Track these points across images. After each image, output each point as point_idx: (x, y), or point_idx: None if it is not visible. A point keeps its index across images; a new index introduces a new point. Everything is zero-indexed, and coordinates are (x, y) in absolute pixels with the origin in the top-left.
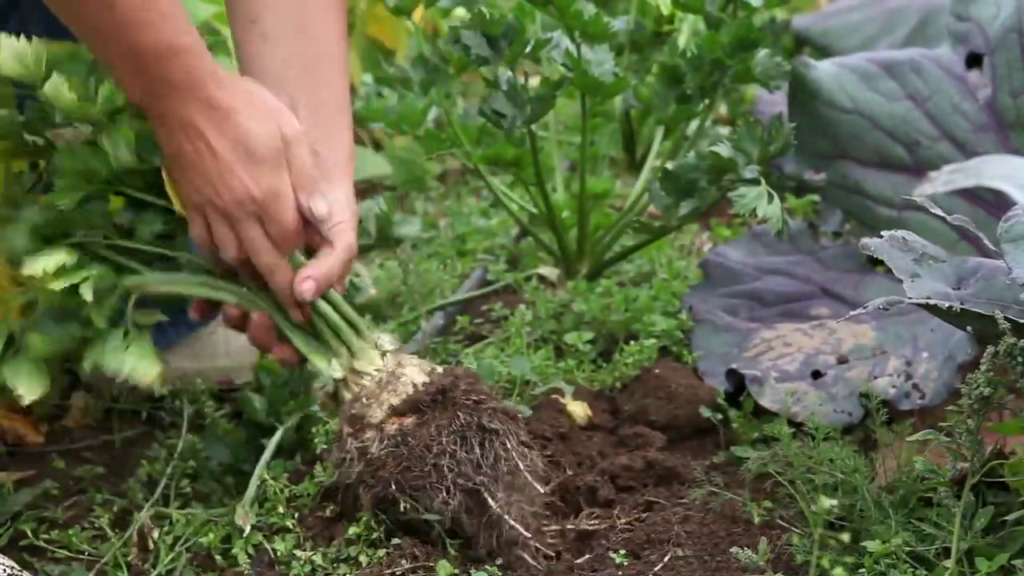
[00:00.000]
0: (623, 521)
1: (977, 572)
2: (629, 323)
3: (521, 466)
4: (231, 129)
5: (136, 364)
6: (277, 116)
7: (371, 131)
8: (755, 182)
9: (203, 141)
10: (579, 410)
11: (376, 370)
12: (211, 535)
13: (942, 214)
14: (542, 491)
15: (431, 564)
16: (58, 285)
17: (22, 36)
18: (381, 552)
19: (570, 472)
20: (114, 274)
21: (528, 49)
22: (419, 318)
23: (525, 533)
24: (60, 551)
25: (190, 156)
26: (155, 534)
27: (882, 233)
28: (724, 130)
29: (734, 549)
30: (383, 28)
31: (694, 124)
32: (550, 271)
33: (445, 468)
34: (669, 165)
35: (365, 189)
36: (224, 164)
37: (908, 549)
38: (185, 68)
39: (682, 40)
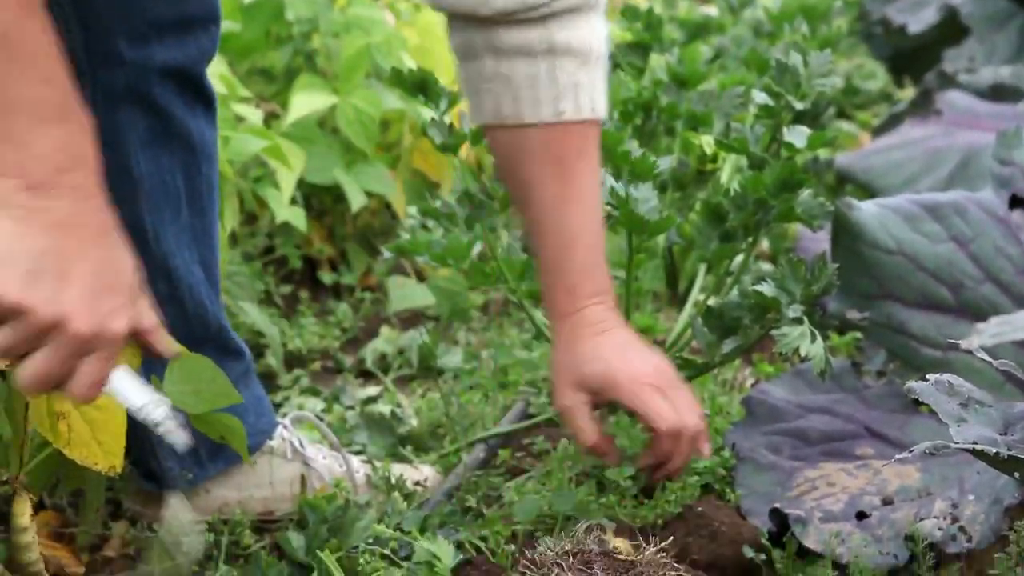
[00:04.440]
0: None
1: None
2: None
3: None
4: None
5: None
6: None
7: (414, 262)
8: (798, 321)
9: None
10: (621, 547)
11: None
12: None
13: (988, 359)
14: None
15: None
16: None
17: None
18: None
19: None
20: None
21: None
22: (460, 450)
23: None
24: None
25: None
26: None
27: (927, 376)
28: (767, 266)
29: None
30: (429, 161)
31: (737, 260)
32: None
33: None
34: (712, 302)
35: (408, 319)
36: None
37: None
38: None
39: (725, 178)
